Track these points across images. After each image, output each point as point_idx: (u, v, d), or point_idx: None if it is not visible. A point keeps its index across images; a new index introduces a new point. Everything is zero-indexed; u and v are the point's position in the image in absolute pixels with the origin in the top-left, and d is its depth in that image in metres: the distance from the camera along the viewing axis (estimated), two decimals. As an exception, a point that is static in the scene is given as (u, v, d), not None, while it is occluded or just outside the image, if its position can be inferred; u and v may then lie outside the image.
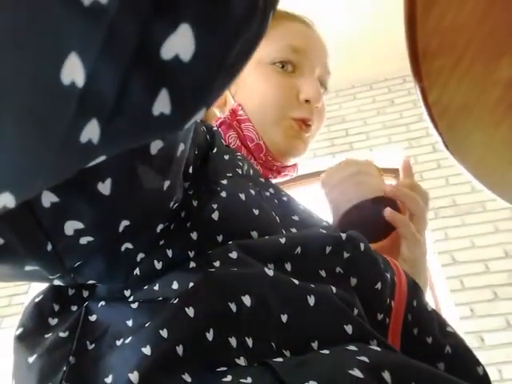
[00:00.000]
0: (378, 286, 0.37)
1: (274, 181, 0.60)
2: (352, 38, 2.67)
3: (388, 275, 0.39)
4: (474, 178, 0.49)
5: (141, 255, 0.34)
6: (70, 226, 0.28)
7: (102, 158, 0.19)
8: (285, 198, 0.44)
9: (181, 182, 0.36)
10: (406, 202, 0.54)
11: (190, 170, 0.39)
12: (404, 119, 2.86)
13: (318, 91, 0.57)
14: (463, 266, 2.34)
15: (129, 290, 0.34)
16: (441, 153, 2.60)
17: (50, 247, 0.28)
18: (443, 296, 2.29)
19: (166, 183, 0.32)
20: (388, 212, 0.53)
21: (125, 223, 0.30)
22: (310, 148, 0.63)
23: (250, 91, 0.58)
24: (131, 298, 0.34)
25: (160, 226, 0.34)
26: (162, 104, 0.18)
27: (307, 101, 0.57)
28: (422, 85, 0.36)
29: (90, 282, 0.34)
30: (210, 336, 0.29)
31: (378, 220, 0.53)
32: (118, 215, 0.30)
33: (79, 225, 0.28)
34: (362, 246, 0.39)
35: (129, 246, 0.32)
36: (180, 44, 0.17)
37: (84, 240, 0.29)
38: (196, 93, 0.19)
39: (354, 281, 0.37)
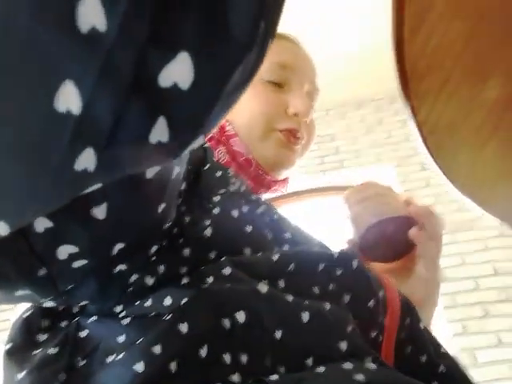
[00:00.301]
0: (371, 303, 0.37)
1: (265, 196, 0.61)
2: (340, 59, 2.72)
3: (381, 293, 0.39)
4: (462, 196, 0.50)
5: (134, 276, 0.34)
6: (64, 251, 0.28)
7: (98, 186, 0.19)
8: (276, 216, 0.44)
9: (175, 202, 0.36)
10: (426, 224, 0.56)
11: (183, 187, 0.39)
12: (393, 138, 2.90)
13: (307, 105, 0.58)
14: (454, 283, 2.35)
15: (120, 306, 0.34)
16: (430, 171, 2.62)
17: (43, 272, 0.28)
18: (437, 313, 2.28)
19: (161, 206, 0.32)
20: (413, 231, 0.54)
21: (119, 246, 0.30)
22: (300, 165, 0.63)
23: (238, 107, 0.58)
24: (123, 314, 0.33)
25: (154, 248, 0.34)
26: (159, 132, 0.18)
27: (296, 114, 0.58)
28: (411, 104, 0.37)
29: (82, 303, 0.34)
30: (203, 352, 0.29)
31: (401, 237, 0.55)
32: (113, 238, 0.30)
33: (73, 249, 0.28)
34: (355, 263, 0.39)
35: (122, 267, 0.32)
36: (178, 72, 0.17)
37: (77, 263, 0.29)
38: (194, 121, 0.19)
39: (346, 298, 0.37)
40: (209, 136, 0.59)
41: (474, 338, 2.21)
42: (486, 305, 2.28)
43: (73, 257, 0.28)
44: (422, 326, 0.39)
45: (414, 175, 2.72)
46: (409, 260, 0.57)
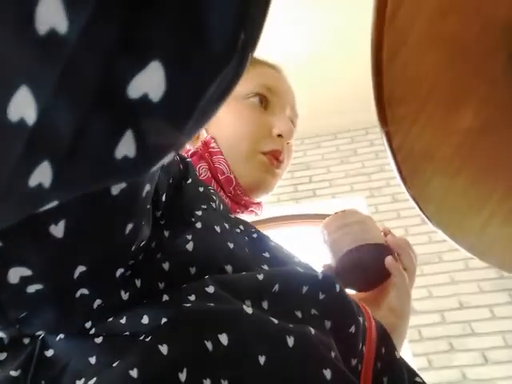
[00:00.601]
0: (352, 329, 0.36)
1: (241, 217, 0.60)
2: (317, 89, 2.78)
3: (361, 319, 0.38)
4: (433, 226, 0.50)
5: (98, 301, 0.31)
6: (16, 273, 0.25)
7: (55, 203, 0.18)
8: (255, 235, 0.43)
9: (148, 221, 0.34)
10: (402, 255, 0.57)
11: (163, 199, 0.38)
12: (366, 169, 2.95)
13: (291, 127, 0.60)
14: (420, 316, 2.36)
15: (90, 322, 0.31)
16: (401, 203, 2.68)
17: None
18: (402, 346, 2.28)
19: (129, 226, 0.29)
20: (389, 259, 0.55)
21: (80, 269, 0.28)
22: (273, 193, 0.64)
23: (224, 125, 0.59)
24: (93, 331, 0.31)
25: (120, 271, 0.32)
26: (126, 146, 0.17)
27: (279, 136, 0.59)
28: (387, 130, 0.37)
29: (39, 332, 0.31)
30: (182, 376, 0.27)
31: (377, 265, 0.56)
32: (73, 260, 0.27)
33: (26, 271, 0.25)
34: (338, 287, 0.38)
35: (84, 291, 0.30)
36: (149, 82, 0.16)
37: (32, 288, 0.26)
38: (165, 135, 0.18)
39: (328, 323, 0.36)
40: (192, 151, 0.59)
41: (438, 372, 2.21)
42: (452, 339, 2.30)
43: (26, 281, 0.25)
44: (397, 355, 0.39)
45: (385, 206, 2.76)
46: (382, 289, 0.57)
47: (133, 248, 0.32)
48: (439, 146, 0.40)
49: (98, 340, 0.30)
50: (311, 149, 3.13)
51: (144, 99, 0.16)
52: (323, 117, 2.99)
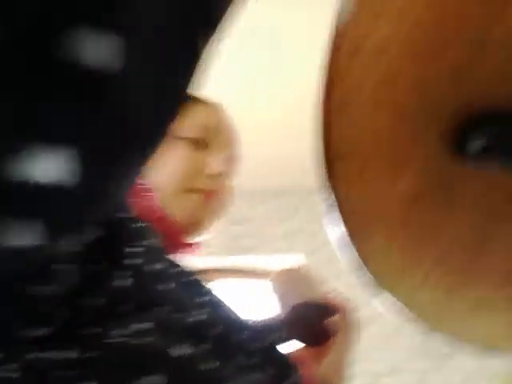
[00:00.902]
0: (291, 380, 0.37)
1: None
2: (262, 148, 2.85)
3: (299, 371, 0.38)
4: (371, 287, 0.51)
5: (13, 366, 0.27)
6: None
7: None
8: (191, 278, 0.42)
9: (71, 277, 0.31)
10: (343, 316, 0.60)
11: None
12: (306, 228, 3.00)
13: (227, 167, 0.62)
14: (354, 380, 2.35)
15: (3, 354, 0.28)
16: (340, 264, 2.72)
17: None
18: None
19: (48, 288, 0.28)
20: (333, 319, 0.59)
21: None
22: (209, 245, 0.64)
23: (159, 163, 0.58)
24: (12, 366, 0.27)
25: (43, 331, 0.29)
26: (31, 235, 0.16)
27: (215, 176, 0.60)
28: (332, 186, 0.38)
29: None
30: None
31: (320, 323, 0.59)
32: None
33: None
34: (276, 336, 0.38)
35: None
36: (59, 170, 0.15)
37: None
38: (76, 220, 0.17)
39: (269, 371, 0.36)
40: None
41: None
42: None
43: None
44: None
45: (324, 266, 2.80)
46: (324, 347, 0.58)
47: (55, 309, 0.29)
48: (379, 206, 0.41)
49: (16, 375, 0.27)
50: (252, 204, 3.16)
51: (55, 185, 0.15)
52: (266, 174, 3.05)
